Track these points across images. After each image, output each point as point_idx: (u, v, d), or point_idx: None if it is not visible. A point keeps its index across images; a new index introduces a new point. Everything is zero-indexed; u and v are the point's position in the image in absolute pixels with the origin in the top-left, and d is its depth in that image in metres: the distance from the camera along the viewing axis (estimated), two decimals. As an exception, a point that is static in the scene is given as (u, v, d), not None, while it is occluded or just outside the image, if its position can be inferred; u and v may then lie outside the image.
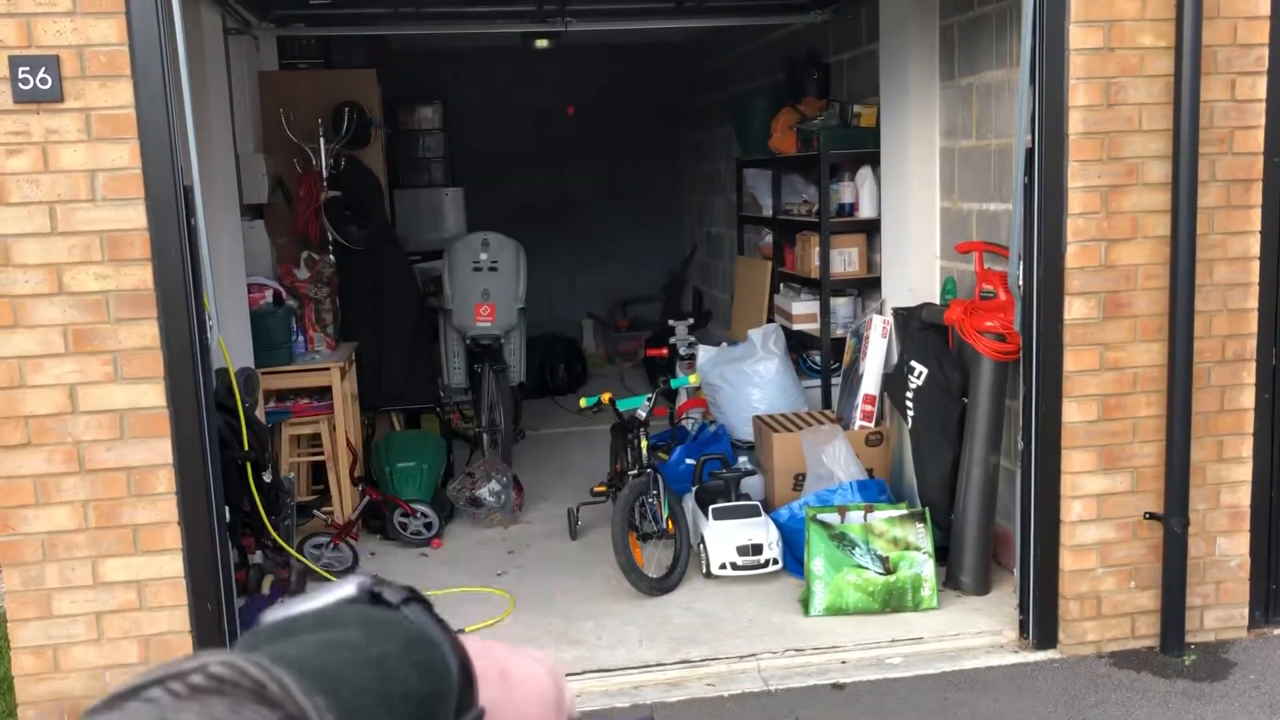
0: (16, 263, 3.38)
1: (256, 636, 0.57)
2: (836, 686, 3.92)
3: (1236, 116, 3.93)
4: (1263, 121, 3.94)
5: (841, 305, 6.11)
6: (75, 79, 3.32)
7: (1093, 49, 3.80)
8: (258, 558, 4.61)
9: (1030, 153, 3.90)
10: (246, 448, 4.23)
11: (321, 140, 6.19)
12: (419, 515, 5.49)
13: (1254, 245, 4.01)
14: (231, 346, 4.34)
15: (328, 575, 4.83)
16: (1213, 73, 3.87)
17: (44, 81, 3.29)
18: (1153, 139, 3.87)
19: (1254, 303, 4.04)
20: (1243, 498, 4.14)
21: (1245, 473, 4.12)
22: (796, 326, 6.34)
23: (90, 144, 3.36)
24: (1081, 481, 4.02)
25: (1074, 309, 3.93)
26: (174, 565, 3.57)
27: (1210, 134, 3.90)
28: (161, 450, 3.51)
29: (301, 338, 5.63)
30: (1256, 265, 4.02)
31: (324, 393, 5.60)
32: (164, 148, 3.41)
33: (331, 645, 0.54)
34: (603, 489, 5.48)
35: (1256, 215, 3.99)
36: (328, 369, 5.52)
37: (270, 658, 0.50)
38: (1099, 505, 4.04)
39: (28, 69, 3.28)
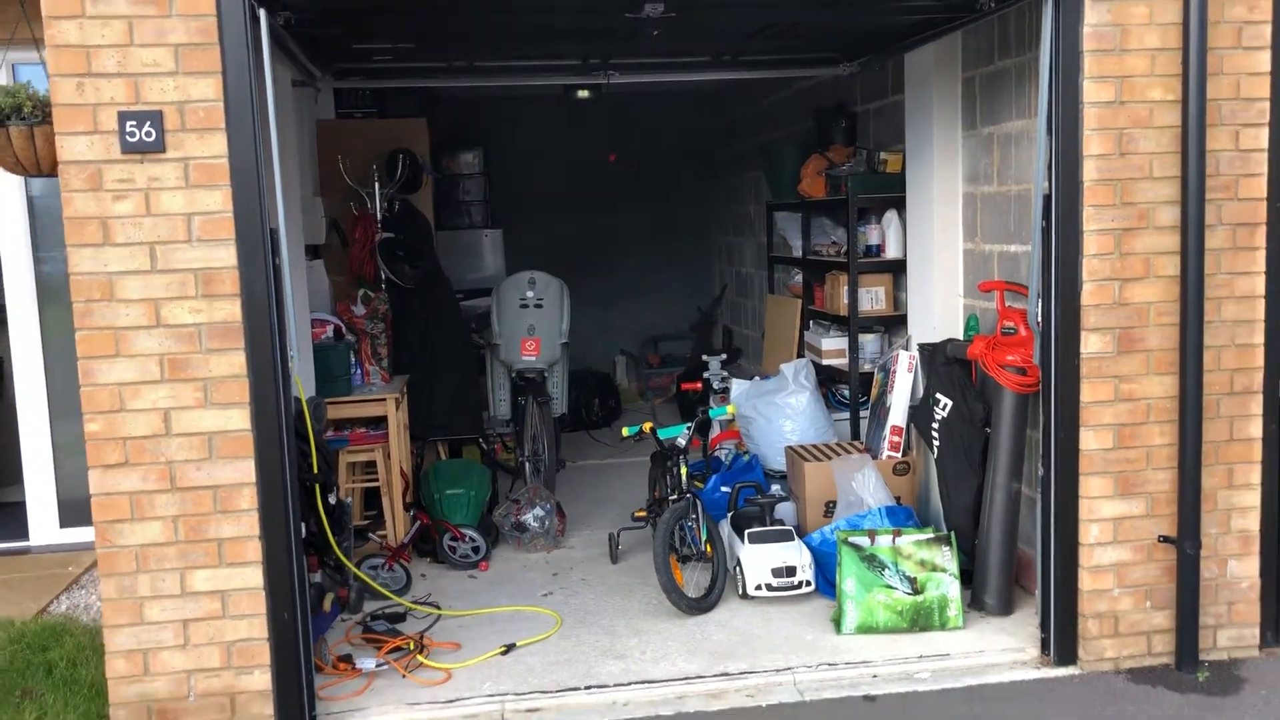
0: (119, 297, 3.71)
1: None
2: (868, 699, 4.17)
3: (1241, 165, 4.21)
4: (1265, 170, 4.22)
5: (869, 341, 6.40)
6: (176, 131, 3.67)
7: (1105, 102, 4.10)
8: (318, 577, 4.90)
9: (1048, 198, 4.19)
10: (316, 471, 4.54)
11: (376, 185, 6.55)
12: (467, 539, 5.78)
13: (1259, 284, 4.27)
14: (300, 377, 4.66)
15: (387, 593, 5.12)
16: (1218, 124, 4.16)
17: (149, 134, 3.64)
18: (1163, 186, 4.16)
19: (1260, 339, 4.30)
20: (1252, 523, 4.37)
21: (1254, 499, 4.36)
22: (826, 362, 6.62)
23: (188, 190, 3.71)
24: (1099, 506, 4.27)
25: (1090, 344, 4.20)
26: (255, 577, 3.86)
27: (1216, 181, 4.18)
28: (245, 470, 3.82)
29: (359, 370, 5.96)
30: (1262, 303, 4.28)
31: (379, 422, 5.92)
32: (253, 194, 3.74)
33: None
34: (643, 514, 5.76)
35: (1261, 256, 4.26)
36: (384, 400, 5.85)
37: None
38: (1116, 529, 4.28)
39: (134, 123, 3.63)
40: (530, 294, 6.66)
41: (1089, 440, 4.23)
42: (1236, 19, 4.14)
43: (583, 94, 6.86)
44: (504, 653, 4.59)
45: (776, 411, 6.15)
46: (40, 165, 4.30)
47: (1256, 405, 4.33)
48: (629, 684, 4.29)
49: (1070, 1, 4.05)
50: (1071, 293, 4.18)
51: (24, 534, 6.07)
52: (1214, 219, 4.20)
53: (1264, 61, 4.17)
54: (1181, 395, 4.19)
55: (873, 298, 6.33)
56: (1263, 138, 4.21)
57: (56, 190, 5.75)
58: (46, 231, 6.02)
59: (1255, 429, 4.34)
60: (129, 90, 3.63)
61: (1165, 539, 4.28)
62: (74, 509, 6.06)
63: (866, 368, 6.33)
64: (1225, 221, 4.23)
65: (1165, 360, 4.23)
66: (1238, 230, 4.24)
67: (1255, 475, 4.36)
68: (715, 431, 6.83)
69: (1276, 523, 4.40)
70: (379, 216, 6.51)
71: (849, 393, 6.41)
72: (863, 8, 4.61)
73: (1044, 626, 4.40)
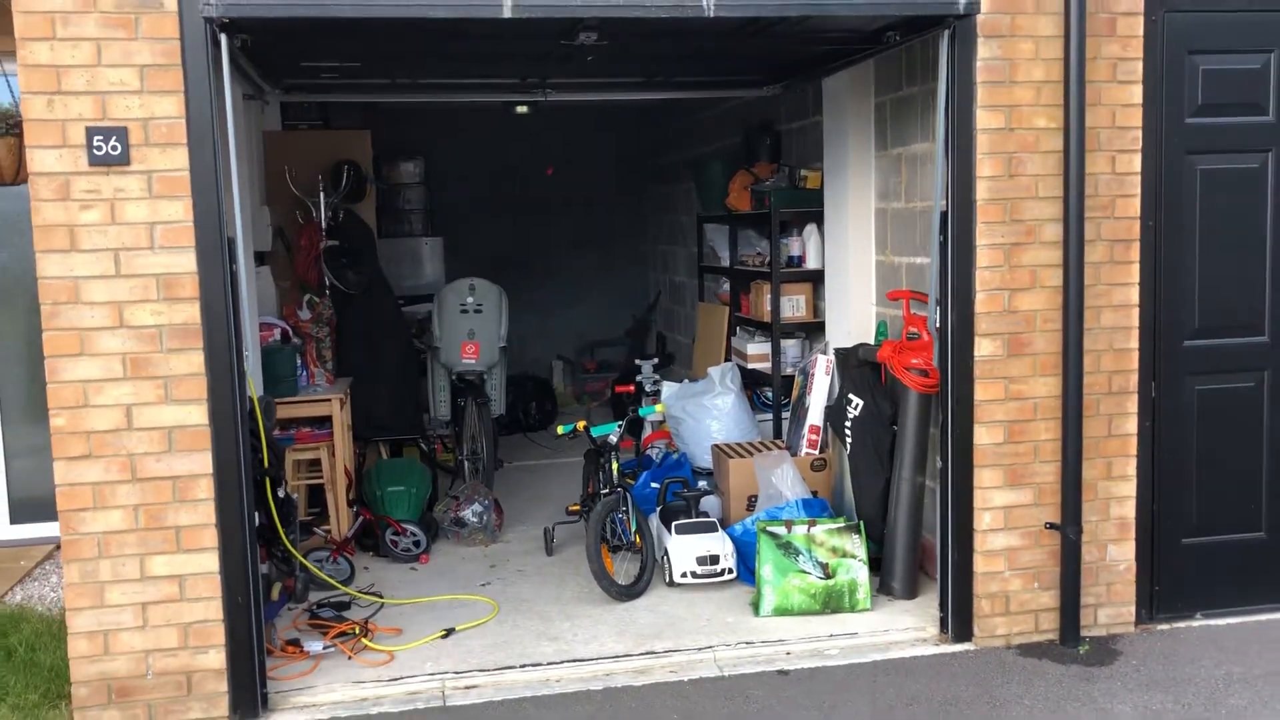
0: (84, 300, 3.96)
1: None
2: (782, 673, 4.54)
3: (1117, 187, 4.67)
4: (1139, 191, 4.68)
5: (790, 346, 6.80)
6: (140, 146, 3.94)
7: (996, 129, 4.53)
8: (265, 568, 5.14)
9: (945, 215, 4.61)
10: (266, 465, 4.81)
11: (321, 194, 6.82)
12: (408, 534, 6.07)
13: (1134, 295, 4.73)
14: (251, 377, 4.92)
15: (332, 581, 5.39)
16: (1097, 150, 4.62)
17: (115, 148, 3.91)
18: (1048, 205, 4.60)
19: (1135, 344, 4.75)
20: (1129, 511, 4.82)
21: (1131, 489, 4.81)
22: (751, 365, 7.01)
23: (151, 201, 3.97)
24: (991, 495, 4.69)
25: (983, 348, 4.62)
26: (211, 562, 4.13)
27: (1095, 201, 4.63)
28: (203, 462, 4.09)
29: (304, 372, 6.22)
30: (1137, 312, 4.74)
31: (324, 422, 6.18)
32: (211, 204, 4.02)
33: None
34: (576, 509, 6.09)
35: (1136, 270, 4.72)
36: (328, 400, 6.11)
37: None
38: (1006, 516, 4.71)
39: (101, 138, 3.89)
40: (470, 300, 6.97)
41: (982, 435, 4.65)
42: (1112, 55, 4.59)
43: (521, 109, 7.22)
44: (444, 636, 4.90)
45: (704, 412, 6.52)
46: (3, 175, 4.54)
47: (1132, 404, 4.78)
48: (561, 663, 4.61)
49: (965, 37, 4.48)
50: (966, 301, 4.60)
51: (-26, 530, 6.24)
52: (1093, 235, 4.65)
53: (1137, 94, 4.63)
54: (1064, 395, 4.63)
55: (794, 305, 6.73)
56: (1136, 162, 4.67)
57: (15, 195, 5.97)
58: (1, 236, 6.20)
59: (1131, 426, 4.79)
60: (96, 107, 3.89)
61: (1051, 525, 4.71)
62: (24, 507, 6.24)
63: (788, 371, 6.73)
64: (1104, 238, 4.68)
65: (1050, 363, 4.66)
66: (1115, 246, 4.69)
67: (1131, 468, 4.81)
68: (647, 431, 7.18)
69: (1150, 511, 4.85)
70: (324, 225, 6.77)
71: (772, 395, 6.80)
72: (780, 39, 4.99)
73: (943, 606, 4.81)
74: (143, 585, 4.10)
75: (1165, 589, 4.89)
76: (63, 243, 3.93)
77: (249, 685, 4.21)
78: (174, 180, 3.98)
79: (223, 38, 4.01)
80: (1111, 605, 4.85)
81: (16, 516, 6.26)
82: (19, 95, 3.88)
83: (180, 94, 3.94)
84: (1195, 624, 4.91)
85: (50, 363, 3.97)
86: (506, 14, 4.01)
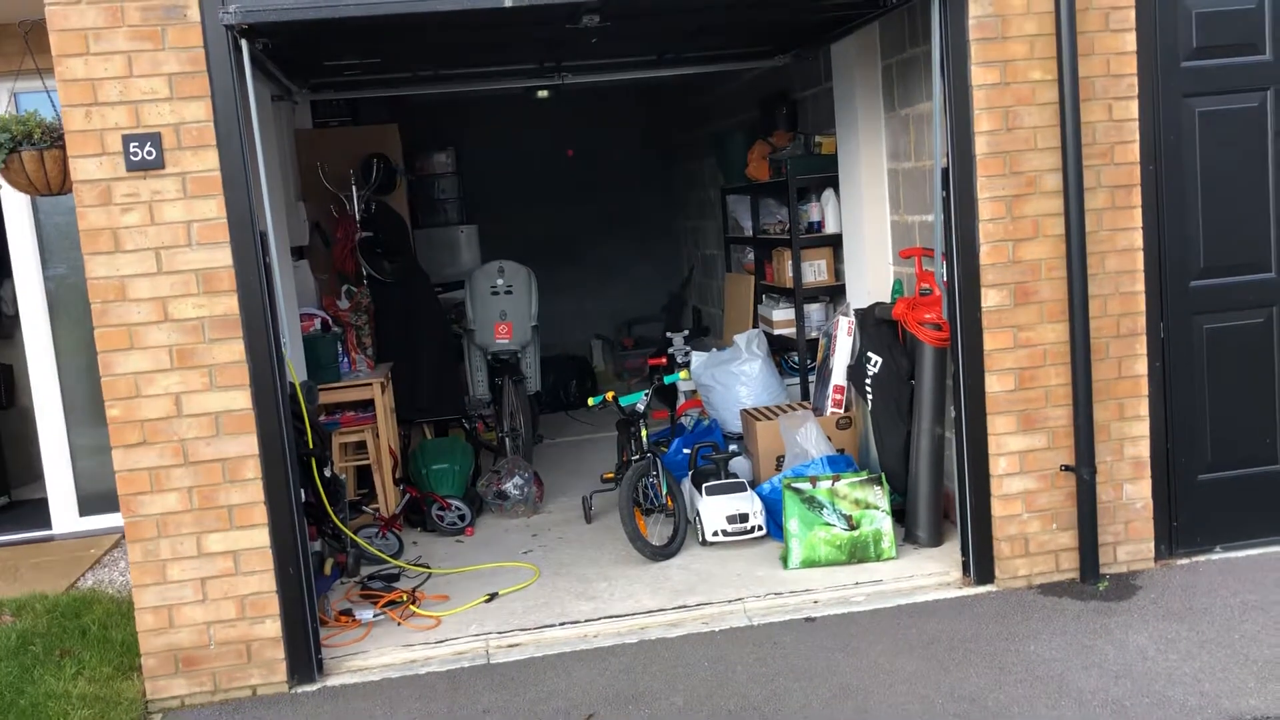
0: (131, 297, 4.24)
1: None
2: (809, 620, 4.73)
3: (1115, 134, 4.76)
4: (1137, 137, 4.77)
5: (814, 310, 6.95)
6: (173, 150, 4.20)
7: (992, 84, 4.65)
8: (317, 545, 5.43)
9: (946, 171, 4.74)
10: (311, 446, 5.08)
11: (354, 188, 7.08)
12: (453, 509, 6.33)
13: (1138, 239, 4.83)
14: (292, 363, 5.19)
15: (382, 554, 5.66)
16: (1092, 99, 4.71)
17: (150, 153, 4.17)
18: (1046, 155, 4.71)
19: (1141, 286, 4.86)
20: (1143, 450, 4.93)
21: (1144, 429, 4.92)
22: (777, 331, 7.18)
23: (186, 201, 4.24)
24: (1005, 441, 4.82)
25: (990, 299, 4.75)
26: (262, 537, 4.40)
27: (1094, 149, 4.74)
28: (249, 444, 4.36)
29: (346, 359, 6.50)
30: (1141, 255, 4.84)
31: (367, 405, 6.46)
32: (243, 201, 4.27)
33: None
34: (611, 477, 6.31)
35: (1138, 214, 4.82)
36: (370, 384, 6.39)
37: None
38: (1021, 461, 4.84)
39: (137, 144, 4.16)
40: (500, 281, 7.20)
41: (993, 384, 4.79)
42: (1103, 5, 4.68)
43: (542, 94, 7.43)
44: (488, 600, 5.15)
45: (732, 379, 6.70)
46: (50, 185, 4.81)
47: (1141, 346, 4.89)
48: (598, 619, 4.84)
49: (955, -3, 4.59)
50: (971, 254, 4.73)
51: (47, 524, 6.61)
52: (1094, 183, 4.75)
53: (1130, 41, 4.72)
54: (1071, 340, 4.74)
55: (815, 270, 6.88)
56: (1133, 109, 4.76)
57: (61, 208, 6.30)
58: (53, 247, 6.54)
59: (1141, 367, 4.90)
60: (130, 115, 4.15)
61: (1066, 468, 4.84)
62: (91, 500, 6.60)
63: (813, 335, 6.88)
64: (1104, 184, 4.78)
65: (1057, 310, 4.78)
66: (1115, 192, 4.79)
67: (1144, 408, 4.92)
68: (681, 401, 7.38)
69: (1164, 449, 4.96)
70: (358, 217, 7.04)
71: (798, 358, 6.96)
72: (780, 7, 5.13)
73: (964, 551, 4.96)
74: (200, 561, 4.38)
75: (1184, 524, 5.00)
76: (108, 244, 4.20)
77: (304, 652, 4.49)
78: (206, 180, 4.23)
79: (243, 43, 4.26)
80: (1130, 543, 4.97)
81: (85, 510, 6.62)
82: (60, 108, 4.15)
83: (207, 98, 4.19)
84: (1215, 557, 5.02)
85: (103, 358, 4.25)
86: (507, 3, 4.21)
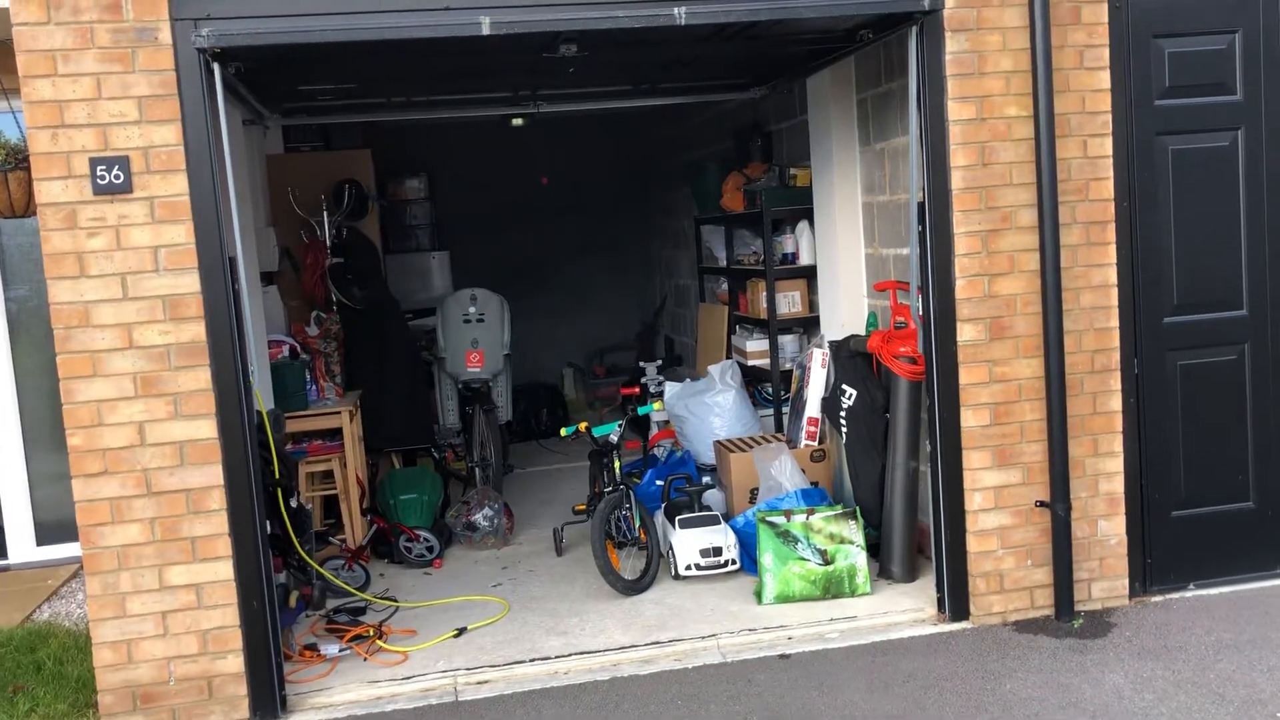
0: (95, 323, 4.15)
1: None
2: (783, 656, 4.67)
3: (1090, 170, 4.79)
4: (1111, 174, 4.80)
5: (788, 342, 6.93)
6: (141, 174, 4.12)
7: (968, 120, 4.66)
8: (282, 577, 5.32)
9: (922, 205, 4.74)
10: (277, 476, 4.98)
11: (325, 213, 7.01)
12: (421, 540, 6.23)
13: (1112, 275, 4.84)
14: (259, 391, 5.09)
15: (348, 588, 5.55)
16: (1068, 135, 4.74)
17: (117, 177, 4.09)
18: (1022, 191, 4.72)
19: (1115, 323, 4.86)
20: (1118, 486, 4.93)
21: (1118, 465, 4.92)
22: (751, 362, 7.15)
23: (154, 225, 4.15)
24: (980, 476, 4.80)
25: (965, 333, 4.74)
26: (226, 570, 4.29)
27: (1069, 185, 4.75)
28: (214, 474, 4.26)
29: (314, 387, 6.40)
30: (1115, 291, 4.85)
31: (335, 434, 6.36)
32: (212, 226, 4.20)
33: None
34: (583, 509, 6.24)
35: (1112, 250, 4.83)
36: (338, 413, 6.29)
37: None
38: (996, 496, 4.82)
39: (104, 167, 4.08)
40: (472, 309, 7.14)
41: (969, 418, 4.77)
42: (1078, 43, 4.71)
43: (517, 121, 7.38)
44: (456, 635, 5.05)
45: (706, 410, 6.66)
46: (14, 208, 4.73)
47: (1115, 382, 4.89)
48: (569, 655, 4.76)
49: (932, 32, 4.61)
50: (947, 288, 4.73)
51: (3, 553, 6.44)
52: (1069, 218, 4.76)
53: (1105, 79, 4.75)
54: (1047, 375, 4.74)
55: (789, 301, 6.87)
56: (1107, 145, 4.79)
57: (25, 229, 6.18)
58: (14, 269, 6.41)
59: (1115, 403, 4.90)
60: (98, 138, 4.08)
61: (1041, 503, 4.82)
62: (49, 529, 6.44)
63: (787, 366, 6.86)
64: (1079, 220, 4.80)
65: (1032, 345, 4.78)
66: (1090, 228, 4.81)
67: (1118, 444, 4.92)
68: (653, 432, 7.32)
69: (1139, 485, 4.96)
70: (328, 243, 6.96)
71: (772, 390, 6.93)
72: (755, 42, 5.13)
73: (939, 587, 4.93)
74: (162, 594, 4.27)
75: (1157, 561, 4.99)
76: (72, 269, 4.11)
77: (268, 688, 4.37)
78: (175, 205, 4.15)
79: (216, 67, 4.19)
80: (1105, 579, 4.95)
81: (42, 539, 6.46)
82: (25, 130, 4.07)
83: (178, 122, 4.12)
84: (1188, 594, 5.01)
85: (65, 385, 4.15)
86: (485, 31, 4.18)
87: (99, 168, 4.08)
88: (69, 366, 4.15)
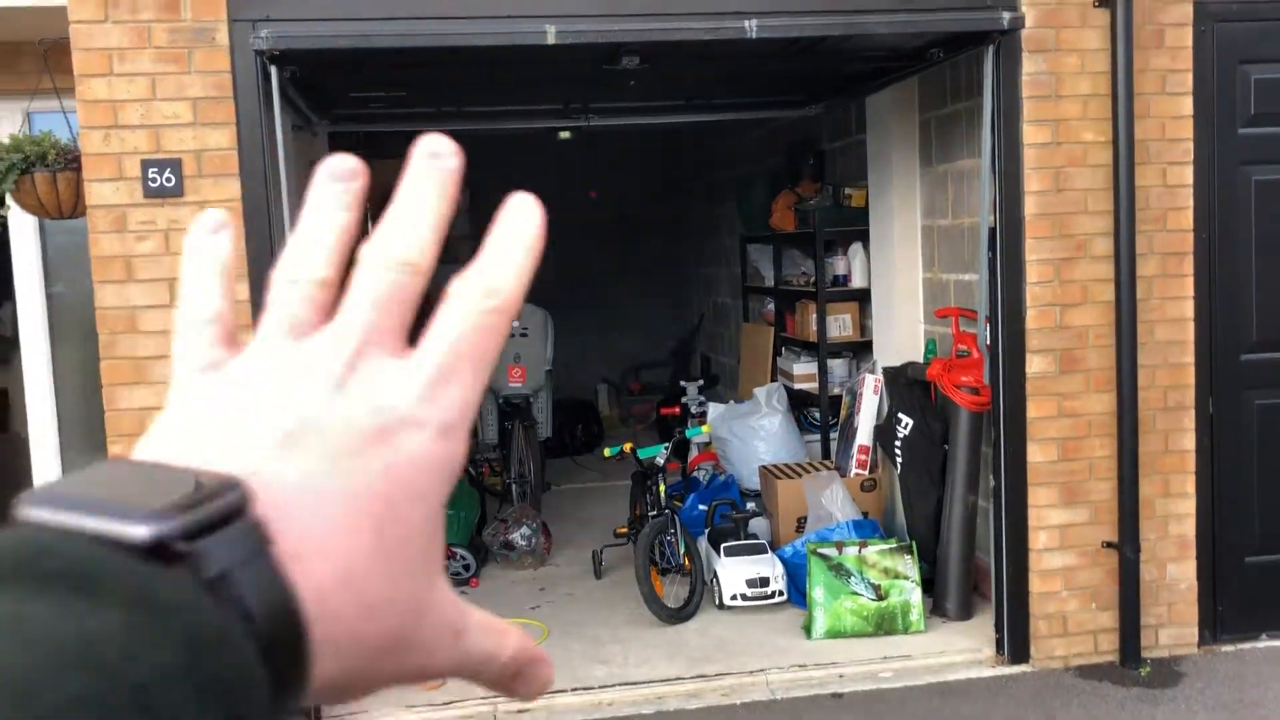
0: (141, 329, 4.04)
1: None
2: (835, 696, 4.49)
3: (1169, 199, 4.61)
4: (1191, 203, 4.62)
5: (837, 366, 6.76)
6: (193, 177, 4.02)
7: (1043, 144, 4.50)
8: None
9: (993, 231, 4.57)
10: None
11: (369, 222, 6.88)
12: (458, 558, 6.08)
13: (1189, 309, 4.66)
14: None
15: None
16: (1146, 162, 4.56)
17: (169, 180, 3.98)
18: (1097, 219, 4.55)
19: (1191, 358, 4.68)
20: (1188, 529, 4.73)
21: (1189, 507, 4.72)
22: (798, 386, 6.98)
23: (204, 231, 4.03)
24: (1046, 514, 4.62)
25: (1034, 364, 4.57)
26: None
27: (1147, 214, 4.57)
28: (256, 488, 4.13)
29: (354, 398, 6.27)
30: (1192, 326, 4.67)
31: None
32: (263, 232, 4.08)
33: (64, 664, 0.29)
34: (624, 531, 6.08)
35: (1190, 283, 4.65)
36: (378, 425, 6.15)
37: None
38: (1062, 535, 4.63)
39: (156, 170, 3.97)
40: (515, 324, 6.99)
41: (1036, 453, 4.59)
42: (1160, 67, 4.54)
43: (564, 135, 7.26)
44: (496, 660, 4.89)
45: (750, 433, 6.49)
46: (61, 208, 4.61)
47: (1189, 420, 4.70)
48: (613, 685, 4.60)
49: (1009, 53, 4.45)
50: (1016, 317, 4.55)
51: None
52: (1145, 249, 4.58)
53: (1186, 105, 4.57)
54: (1119, 411, 4.56)
55: (840, 325, 6.70)
56: (1188, 174, 4.61)
57: (66, 227, 6.10)
58: (58, 269, 6.33)
59: (1189, 442, 4.70)
60: (151, 140, 3.97)
61: (1108, 544, 4.63)
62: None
63: (835, 391, 6.68)
64: (1156, 251, 4.62)
65: (1103, 379, 4.59)
66: (1167, 259, 4.63)
67: (1190, 485, 4.72)
68: (694, 454, 7.16)
69: (1211, 529, 4.76)
70: (372, 252, 6.84)
71: (819, 415, 6.76)
72: (823, 58, 4.99)
73: (998, 627, 4.74)
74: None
75: (1229, 609, 4.78)
76: (120, 273, 4.00)
77: (304, 711, 4.22)
78: (227, 210, 4.03)
79: (273, 70, 4.08)
80: (1173, 626, 4.75)
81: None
82: (77, 130, 3.97)
83: (232, 125, 4.01)
84: (1261, 645, 4.80)
85: (108, 391, 4.04)
86: (550, 40, 4.05)
87: (151, 170, 3.97)
88: (112, 373, 4.03)
